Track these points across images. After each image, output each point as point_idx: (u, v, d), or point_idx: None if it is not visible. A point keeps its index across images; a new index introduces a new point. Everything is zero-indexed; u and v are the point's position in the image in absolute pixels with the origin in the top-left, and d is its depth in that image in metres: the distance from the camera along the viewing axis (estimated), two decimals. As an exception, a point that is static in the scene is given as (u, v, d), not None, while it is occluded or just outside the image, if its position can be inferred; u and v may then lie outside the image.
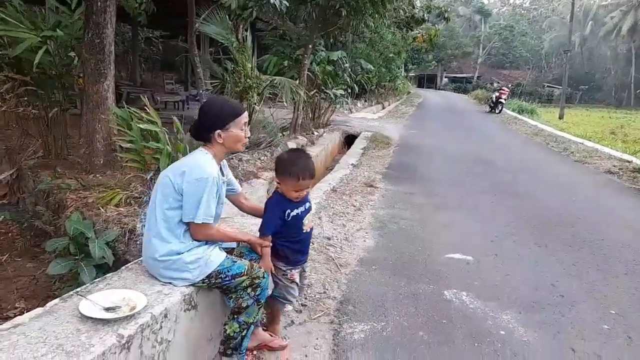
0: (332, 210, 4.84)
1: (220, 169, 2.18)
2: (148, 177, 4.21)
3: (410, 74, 42.98)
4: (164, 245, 2.01)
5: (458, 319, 2.84)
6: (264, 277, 2.16)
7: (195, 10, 6.09)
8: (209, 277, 2.06)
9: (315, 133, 9.81)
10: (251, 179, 5.57)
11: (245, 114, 2.16)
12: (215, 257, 2.08)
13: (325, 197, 5.33)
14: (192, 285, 2.06)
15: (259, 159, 6.43)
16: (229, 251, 2.28)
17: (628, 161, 8.81)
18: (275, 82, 6.15)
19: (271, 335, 2.50)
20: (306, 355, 2.42)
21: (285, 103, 10.67)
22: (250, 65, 5.42)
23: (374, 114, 17.09)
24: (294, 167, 2.13)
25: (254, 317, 2.17)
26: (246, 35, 6.28)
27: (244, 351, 2.21)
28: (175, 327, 1.97)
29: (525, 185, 6.78)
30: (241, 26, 6.47)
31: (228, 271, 2.08)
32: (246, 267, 2.11)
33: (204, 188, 1.97)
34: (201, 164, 2.03)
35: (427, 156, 8.90)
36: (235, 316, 2.14)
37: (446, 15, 19.86)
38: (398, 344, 2.55)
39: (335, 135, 10.66)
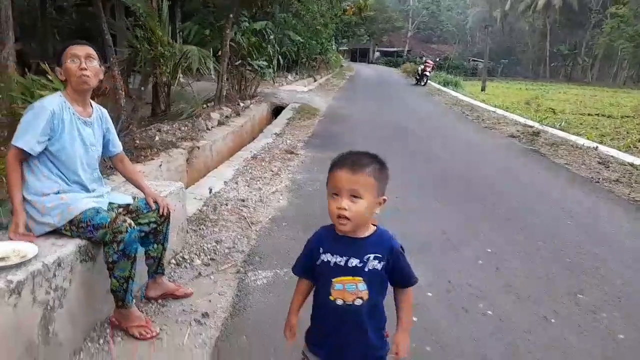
0: (250, 175, 4.99)
1: (100, 118, 2.35)
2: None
3: (343, 48, 43.31)
4: (28, 184, 2.12)
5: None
6: (127, 232, 2.09)
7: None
8: (70, 223, 2.09)
9: (242, 104, 9.79)
10: (170, 148, 5.55)
11: (75, 46, 2.17)
12: (78, 204, 2.12)
13: (245, 163, 5.46)
14: (59, 232, 2.12)
15: (179, 129, 6.38)
16: (125, 207, 2.36)
17: (530, 126, 9.67)
18: (185, 50, 6.07)
19: (176, 285, 2.65)
20: (210, 301, 2.59)
21: (212, 75, 10.50)
22: (162, 33, 5.33)
23: (304, 87, 17.20)
24: (338, 157, 1.41)
25: (129, 271, 2.15)
26: (160, 2, 6.11)
27: (130, 303, 2.23)
28: (72, 276, 2.06)
29: (436, 148, 7.30)
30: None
31: (90, 221, 2.09)
32: (109, 220, 2.09)
33: (27, 113, 2.09)
34: (43, 97, 2.20)
35: (350, 125, 9.23)
36: (111, 271, 2.15)
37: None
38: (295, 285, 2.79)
39: (263, 106, 10.71)
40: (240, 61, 10.12)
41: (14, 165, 2.08)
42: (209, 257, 3.10)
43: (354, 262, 1.36)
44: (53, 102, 2.13)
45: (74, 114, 2.20)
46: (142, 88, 5.63)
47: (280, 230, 3.63)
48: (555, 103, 20.64)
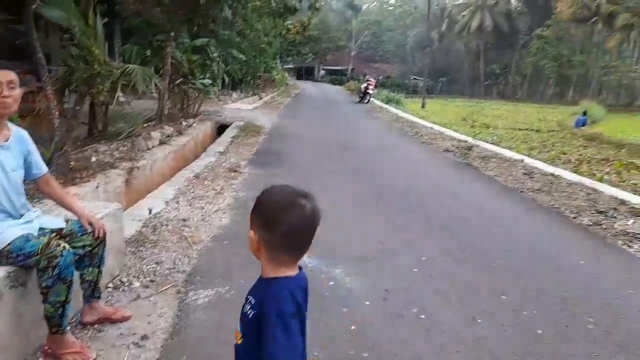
0: (192, 195, 4.96)
1: (19, 141, 2.26)
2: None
3: (288, 66, 43.82)
4: None
5: (296, 277, 3.21)
6: (61, 256, 2.07)
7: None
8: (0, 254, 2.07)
9: (184, 123, 9.67)
10: (107, 169, 5.40)
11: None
12: (4, 235, 2.07)
13: (187, 183, 5.42)
14: None
15: (118, 149, 6.23)
16: (57, 231, 2.32)
17: (464, 141, 10.26)
18: (128, 70, 5.99)
19: (113, 308, 2.61)
20: (149, 323, 2.57)
21: (154, 93, 10.30)
22: (98, 51, 5.23)
23: (249, 105, 17.22)
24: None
25: (65, 295, 2.12)
26: (96, 20, 6.00)
27: (66, 328, 2.19)
28: (1, 304, 2.00)
29: (376, 164, 7.58)
30: (91, 10, 6.15)
31: (20, 250, 2.06)
32: (40, 246, 2.06)
33: None
34: None
35: (294, 143, 9.37)
36: (44, 297, 2.11)
37: (317, 6, 20.62)
38: (239, 303, 2.81)
39: (207, 125, 10.62)
40: (182, 79, 10.02)
41: None
42: (148, 278, 3.06)
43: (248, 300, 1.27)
44: None
45: None
46: (78, 107, 5.46)
47: (222, 249, 3.65)
48: (489, 119, 21.96)
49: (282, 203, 1.16)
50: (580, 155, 11.85)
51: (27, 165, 2.35)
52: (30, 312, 2.19)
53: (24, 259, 2.06)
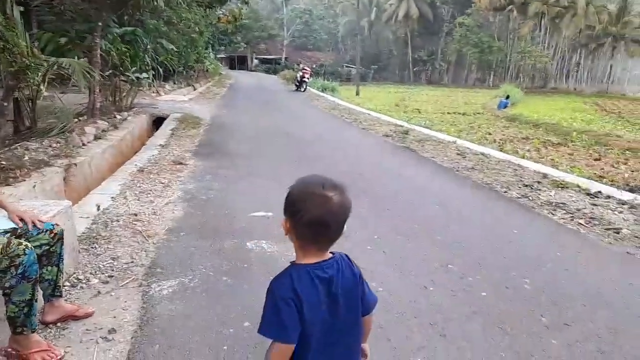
0: (139, 189, 4.84)
1: None
2: None
3: (220, 56, 42.76)
4: None
5: (257, 262, 3.30)
6: (24, 254, 2.04)
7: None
8: None
9: (118, 117, 9.27)
10: (42, 167, 5.12)
11: None
12: None
13: (131, 177, 5.27)
14: None
15: (51, 146, 5.89)
16: (12, 231, 2.24)
17: (400, 126, 10.72)
18: (63, 64, 5.66)
19: (76, 305, 2.56)
20: (114, 317, 2.55)
21: (81, 87, 9.73)
22: (25, 44, 4.90)
23: (184, 96, 16.71)
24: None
25: (30, 294, 2.09)
26: (13, 9, 5.59)
27: (34, 327, 2.16)
28: (-41, 308, 1.92)
29: (319, 150, 7.75)
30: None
31: None
32: (0, 247, 2.01)
33: None
34: None
35: (235, 133, 9.30)
36: (7, 297, 2.06)
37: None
38: (204, 290, 2.88)
39: (142, 118, 10.24)
40: (111, 71, 9.56)
41: None
42: (106, 274, 3.01)
43: None
44: None
45: None
46: (5, 104, 5.10)
47: (179, 240, 3.63)
48: (419, 104, 22.97)
49: (308, 194, 1.24)
50: (504, 135, 12.83)
51: None
52: (-11, 315, 2.12)
53: None
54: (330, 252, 1.33)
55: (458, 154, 7.62)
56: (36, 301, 2.13)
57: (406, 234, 4.00)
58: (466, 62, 56.88)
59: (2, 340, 2.20)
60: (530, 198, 5.22)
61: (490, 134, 12.90)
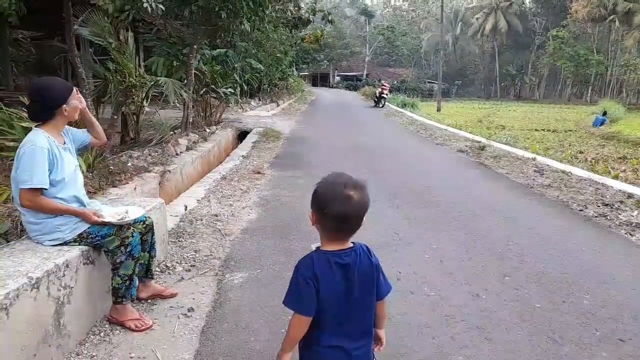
0: (221, 194, 5.39)
1: (69, 139, 2.68)
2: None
3: (303, 73, 44.42)
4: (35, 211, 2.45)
5: (319, 262, 3.58)
6: (132, 236, 2.56)
7: (72, 11, 6.16)
8: (80, 236, 2.48)
9: (208, 130, 10.18)
10: (142, 172, 5.88)
11: (74, 87, 2.60)
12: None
13: (215, 184, 5.86)
14: (65, 243, 2.45)
15: (150, 155, 6.71)
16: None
17: (477, 142, 10.52)
18: (160, 82, 6.48)
19: (163, 287, 3.02)
20: (194, 299, 2.98)
21: (176, 103, 10.84)
22: (132, 65, 5.72)
23: (267, 112, 17.73)
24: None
25: (132, 269, 2.57)
26: (127, 36, 6.51)
27: (133, 297, 2.66)
28: (77, 276, 2.43)
29: (392, 164, 7.92)
30: (121, 27, 6.68)
31: (98, 232, 2.51)
32: (115, 229, 2.54)
33: (30, 155, 2.33)
34: (30, 138, 2.43)
35: (313, 146, 9.77)
36: (115, 271, 2.55)
37: (330, 18, 21.15)
38: (269, 282, 3.23)
39: (228, 132, 11.12)
40: (204, 89, 10.55)
41: (42, 201, 2.39)
42: (189, 264, 3.48)
43: None
44: (43, 140, 2.42)
45: (57, 145, 2.52)
46: (115, 117, 5.96)
47: (251, 239, 4.05)
48: (505, 120, 22.08)
49: (332, 192, 1.45)
50: (597, 154, 11.97)
51: (79, 141, 2.78)
52: (97, 286, 2.62)
53: (100, 240, 2.51)
54: (352, 242, 1.54)
55: (536, 171, 7.38)
56: (136, 276, 2.62)
57: (466, 245, 4.07)
58: (560, 76, 53.49)
59: (105, 308, 2.70)
60: (608, 217, 4.98)
61: (581, 152, 12.11)
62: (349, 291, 1.50)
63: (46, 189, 2.40)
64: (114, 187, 5.13)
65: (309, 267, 1.48)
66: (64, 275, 2.31)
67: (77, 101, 2.56)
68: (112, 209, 2.74)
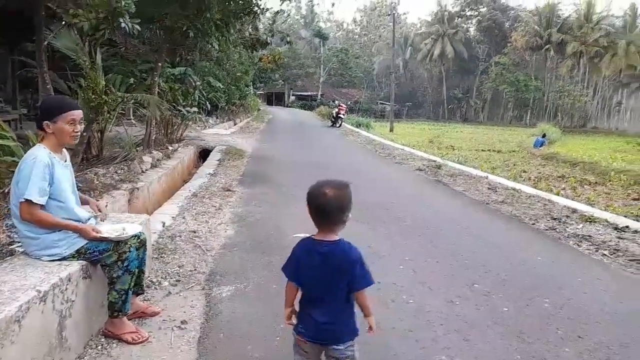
0: (195, 211, 5.43)
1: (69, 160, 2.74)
2: (6, 191, 4.28)
3: (259, 92, 44.61)
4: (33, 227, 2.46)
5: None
6: (129, 251, 2.60)
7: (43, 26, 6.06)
8: (78, 251, 2.52)
9: (170, 148, 10.10)
10: (110, 190, 5.81)
11: (74, 111, 2.55)
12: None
13: (187, 201, 5.88)
14: (63, 259, 2.49)
15: (116, 172, 6.63)
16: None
17: (433, 160, 11.09)
18: (140, 99, 6.44)
19: (146, 304, 3.04)
20: (184, 312, 3.04)
21: (133, 120, 10.69)
22: (103, 82, 5.70)
23: (226, 130, 17.70)
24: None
25: (129, 284, 2.61)
26: (95, 54, 6.48)
27: (128, 311, 2.68)
28: (77, 290, 2.46)
29: (355, 181, 8.16)
30: (89, 44, 6.63)
31: (96, 247, 2.55)
32: (112, 245, 2.58)
33: (30, 168, 2.38)
34: (31, 152, 2.51)
35: (276, 164, 9.93)
36: (112, 285, 2.59)
37: (288, 40, 21.61)
38: (257, 293, 3.35)
39: (190, 149, 11.06)
40: (167, 106, 10.48)
41: (41, 215, 2.41)
42: (174, 279, 3.53)
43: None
44: (44, 155, 2.47)
45: (58, 162, 2.58)
46: (84, 133, 5.87)
47: (232, 254, 4.14)
48: (453, 141, 23.18)
49: (313, 190, 1.88)
50: (539, 173, 12.86)
51: None
52: (93, 300, 2.65)
53: (98, 255, 2.55)
54: (339, 237, 1.93)
55: (489, 189, 7.91)
56: (131, 290, 2.65)
57: (435, 256, 4.37)
58: (502, 100, 56.89)
59: (100, 322, 2.71)
60: (557, 230, 5.46)
61: (525, 171, 12.96)
62: (324, 275, 1.87)
63: (43, 204, 2.43)
64: (83, 204, 5.06)
65: (296, 246, 1.99)
66: (66, 289, 2.35)
67: (67, 124, 2.53)
68: (110, 225, 2.78)
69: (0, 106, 13.14)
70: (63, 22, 5.35)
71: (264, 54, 23.18)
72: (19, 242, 2.86)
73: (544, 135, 24.34)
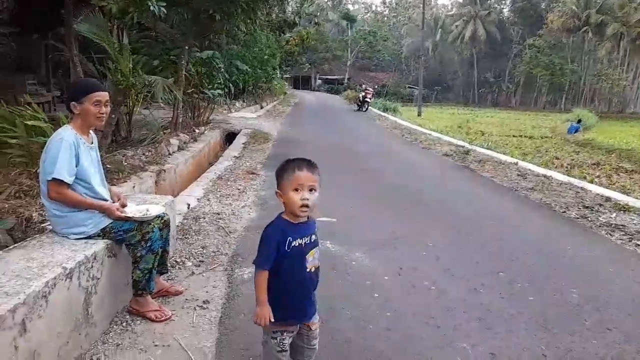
0: (220, 193, 5.49)
1: (96, 142, 2.78)
2: (38, 170, 4.42)
3: (286, 76, 44.55)
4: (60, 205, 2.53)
5: (323, 258, 3.72)
6: (152, 231, 2.65)
7: (72, 10, 6.17)
8: (103, 230, 2.58)
9: (197, 131, 10.21)
10: (138, 171, 5.92)
11: (99, 92, 2.58)
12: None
13: (212, 183, 5.95)
14: (89, 237, 2.54)
15: (144, 154, 6.75)
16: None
17: (461, 146, 10.85)
18: (149, 80, 6.49)
19: (169, 284, 3.10)
20: (207, 292, 3.09)
21: (161, 103, 10.82)
22: (131, 65, 5.77)
23: (252, 114, 17.77)
24: (288, 163, 1.89)
25: (152, 263, 2.66)
26: (122, 37, 6.55)
27: (153, 290, 2.75)
28: (102, 268, 2.52)
29: (380, 166, 8.14)
30: (116, 27, 6.71)
31: (121, 227, 2.60)
32: (136, 225, 2.63)
33: (57, 148, 2.42)
34: (58, 132, 2.55)
35: (302, 148, 9.91)
36: (136, 264, 2.65)
37: (316, 20, 21.44)
38: (278, 277, 3.35)
39: (216, 132, 11.16)
40: (192, 89, 10.57)
41: (68, 194, 2.47)
42: (198, 259, 3.59)
43: (312, 237, 1.95)
44: (70, 136, 2.52)
45: (84, 143, 2.62)
46: (113, 116, 5.99)
47: (255, 236, 4.12)
48: (483, 126, 22.61)
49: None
50: (573, 159, 12.43)
51: None
52: (118, 278, 2.71)
53: (122, 234, 2.60)
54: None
55: (519, 175, 7.69)
56: (155, 270, 2.71)
57: (460, 243, 4.29)
58: (536, 84, 55.04)
59: (125, 299, 2.79)
60: (589, 219, 5.27)
61: (557, 158, 12.55)
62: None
63: (70, 183, 2.49)
64: (112, 185, 5.18)
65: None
66: (92, 266, 2.41)
67: (93, 106, 2.56)
68: (134, 206, 2.83)
69: (35, 89, 13.56)
70: (93, 5, 5.40)
71: (291, 37, 23.00)
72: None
73: (579, 121, 23.45)
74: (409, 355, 2.50)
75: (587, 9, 48.51)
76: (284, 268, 1.87)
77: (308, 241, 1.92)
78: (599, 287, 3.47)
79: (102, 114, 2.64)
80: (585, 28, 48.67)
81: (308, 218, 1.94)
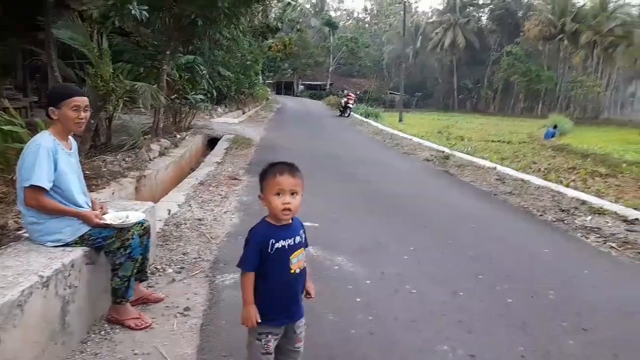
0: (201, 199, 5.45)
1: (76, 148, 2.76)
2: (15, 177, 4.32)
3: (268, 81, 44.51)
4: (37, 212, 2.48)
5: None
6: (132, 238, 2.60)
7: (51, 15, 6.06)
8: (81, 237, 2.53)
9: (178, 136, 10.12)
10: (118, 177, 5.83)
11: (78, 98, 2.55)
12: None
13: (193, 189, 5.90)
14: (66, 245, 2.50)
15: (124, 160, 6.66)
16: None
17: (441, 151, 11.00)
18: (135, 87, 6.44)
19: (149, 291, 3.06)
20: (188, 298, 3.06)
21: (142, 109, 10.71)
22: (111, 70, 5.70)
23: (234, 119, 17.69)
24: (270, 167, 1.89)
25: (131, 271, 2.62)
26: (101, 41, 6.46)
27: (130, 297, 2.70)
28: (80, 276, 2.48)
29: (363, 171, 8.20)
30: (96, 32, 6.62)
31: (99, 234, 2.56)
32: (115, 231, 2.58)
33: (35, 155, 2.39)
34: (36, 138, 2.52)
35: (284, 153, 9.90)
36: (115, 272, 2.60)
37: (298, 27, 21.52)
38: (260, 283, 3.34)
39: (198, 138, 11.09)
40: (175, 95, 10.49)
41: (45, 201, 2.43)
42: (178, 266, 3.55)
43: (297, 239, 1.95)
44: (48, 142, 2.48)
45: (62, 149, 2.58)
46: (92, 121, 5.89)
47: (237, 242, 4.13)
48: (463, 131, 22.96)
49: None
50: (549, 164, 12.69)
51: None
52: (97, 286, 2.67)
53: (101, 242, 2.56)
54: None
55: (497, 179, 7.84)
56: (133, 277, 2.67)
57: (440, 247, 4.34)
58: (513, 90, 56.17)
59: (103, 307, 2.74)
60: (565, 222, 5.40)
61: (535, 162, 12.80)
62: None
63: (47, 189, 2.44)
64: (91, 191, 5.09)
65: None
66: (69, 274, 2.36)
67: (71, 111, 2.53)
68: (114, 212, 2.79)
69: (12, 94, 13.26)
70: (73, 10, 5.32)
71: (273, 42, 23.02)
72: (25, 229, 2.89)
73: (555, 127, 24.02)
74: (391, 359, 2.52)
75: (562, 16, 49.83)
76: (269, 270, 1.89)
77: (292, 243, 1.92)
78: (575, 289, 3.55)
79: (81, 119, 2.60)
80: (560, 36, 49.97)
81: (292, 219, 1.95)
